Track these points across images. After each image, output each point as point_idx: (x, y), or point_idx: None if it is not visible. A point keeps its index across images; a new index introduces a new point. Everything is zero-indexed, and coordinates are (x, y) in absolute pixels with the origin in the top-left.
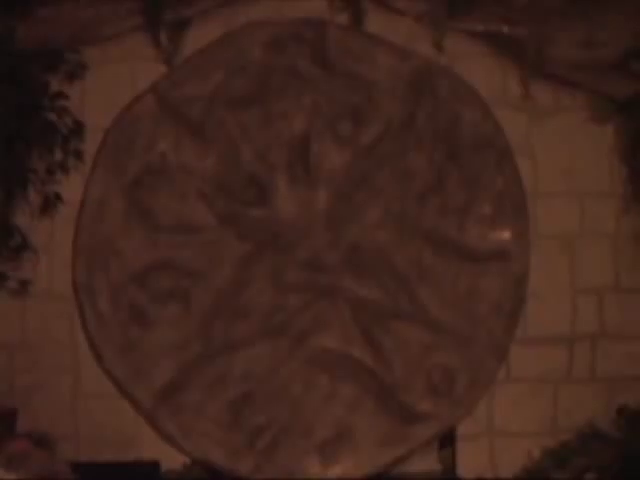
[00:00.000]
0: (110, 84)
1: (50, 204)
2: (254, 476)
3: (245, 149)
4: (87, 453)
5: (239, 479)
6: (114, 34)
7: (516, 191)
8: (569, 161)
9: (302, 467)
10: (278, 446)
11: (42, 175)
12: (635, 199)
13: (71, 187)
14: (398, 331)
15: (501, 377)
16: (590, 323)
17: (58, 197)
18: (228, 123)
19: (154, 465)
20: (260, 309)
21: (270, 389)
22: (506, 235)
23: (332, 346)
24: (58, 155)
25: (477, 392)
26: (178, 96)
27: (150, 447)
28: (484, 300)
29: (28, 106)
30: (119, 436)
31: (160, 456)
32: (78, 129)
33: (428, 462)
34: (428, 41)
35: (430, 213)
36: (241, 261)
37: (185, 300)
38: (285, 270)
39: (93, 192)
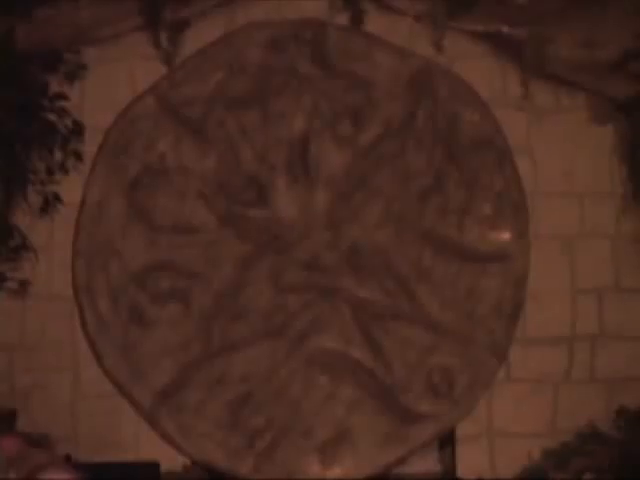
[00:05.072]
0: (110, 84)
1: (50, 204)
2: (253, 476)
3: (244, 149)
4: (86, 453)
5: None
6: (114, 34)
7: (516, 191)
8: (569, 161)
9: (302, 468)
10: (278, 447)
11: (42, 175)
12: (635, 199)
13: (71, 187)
14: (398, 331)
15: (501, 377)
16: (590, 323)
17: (57, 198)
18: (228, 123)
19: (154, 465)
20: (260, 310)
21: (270, 389)
22: (506, 235)
23: (332, 347)
24: (58, 155)
25: (477, 392)
26: (178, 96)
27: (150, 448)
28: (484, 300)
29: (28, 107)
30: (119, 436)
31: (160, 457)
32: (78, 129)
33: (428, 462)
34: (428, 41)
35: (430, 213)
36: (241, 261)
37: (185, 300)
38: (285, 270)
39: (93, 192)
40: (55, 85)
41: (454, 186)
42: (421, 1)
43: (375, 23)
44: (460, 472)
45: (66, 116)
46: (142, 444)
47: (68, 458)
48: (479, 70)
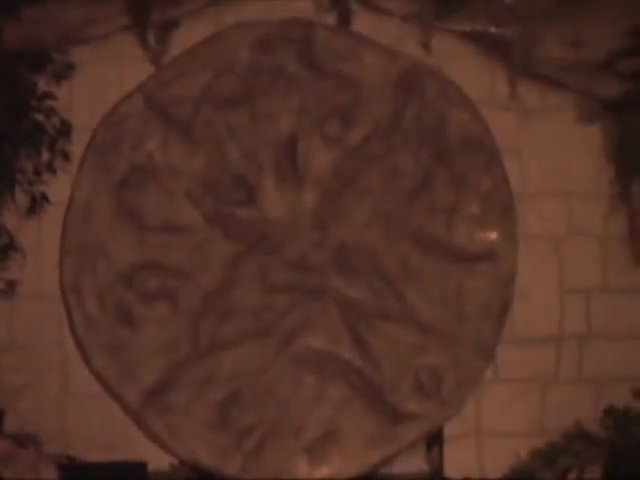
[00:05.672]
0: (98, 84)
1: (37, 204)
2: (241, 476)
3: (232, 149)
4: (75, 453)
5: (226, 479)
6: (102, 34)
7: (504, 191)
8: (557, 161)
9: (290, 467)
10: (266, 446)
11: (29, 175)
12: (622, 199)
13: (58, 187)
14: (386, 331)
15: (489, 377)
16: (577, 323)
17: (44, 197)
18: (215, 123)
19: (141, 465)
20: (248, 309)
21: (258, 389)
22: (494, 235)
23: (320, 346)
24: (45, 155)
25: (465, 392)
26: (165, 96)
27: (138, 447)
28: (472, 300)
29: (15, 106)
30: (107, 436)
31: (148, 456)
32: (65, 129)
33: (415, 462)
34: (416, 41)
35: (418, 213)
36: (229, 261)
37: (173, 300)
38: (273, 270)
39: (80, 192)
40: (43, 85)
41: (442, 186)
42: (409, 1)
43: (362, 23)
44: (447, 472)
45: (54, 116)
46: (131, 444)
47: (71, 459)
48: (467, 70)
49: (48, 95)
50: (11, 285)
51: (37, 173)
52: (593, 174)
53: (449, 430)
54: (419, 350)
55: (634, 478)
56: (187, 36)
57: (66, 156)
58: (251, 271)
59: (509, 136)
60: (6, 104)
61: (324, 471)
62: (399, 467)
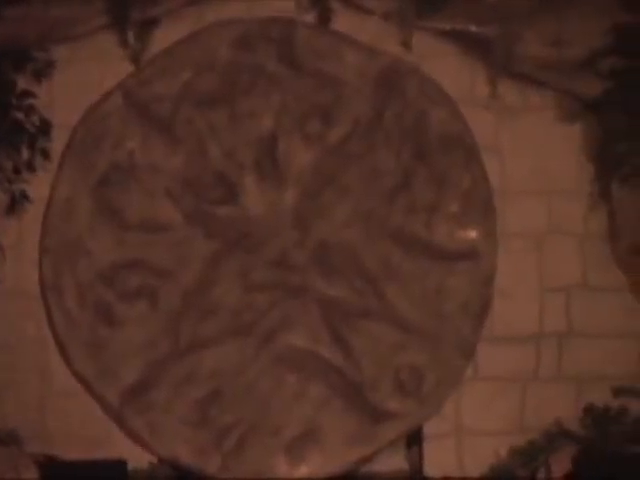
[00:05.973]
0: (78, 83)
1: (17, 203)
2: (221, 475)
3: (213, 148)
4: (56, 451)
5: (206, 478)
6: (82, 33)
7: (484, 190)
8: (537, 160)
9: (270, 466)
10: (246, 445)
11: (9, 174)
12: (603, 198)
13: (38, 186)
14: (366, 330)
15: (469, 376)
16: (558, 321)
17: (24, 196)
18: (196, 121)
19: (121, 464)
20: (228, 308)
21: (238, 388)
22: (474, 234)
23: (300, 345)
24: (25, 154)
25: (445, 391)
26: (146, 94)
27: (119, 446)
28: (452, 299)
29: None
30: (88, 435)
31: (128, 455)
32: (45, 127)
33: (395, 461)
34: (396, 40)
35: (398, 212)
36: (209, 260)
37: (153, 299)
38: (253, 269)
39: (60, 190)
40: (23, 83)
41: (422, 184)
42: (389, 0)
43: (342, 22)
44: (427, 471)
45: (34, 114)
46: (112, 442)
47: (50, 459)
48: (447, 69)
49: (28, 93)
50: None
51: (17, 171)
52: (573, 173)
53: (429, 429)
54: (399, 348)
55: (603, 477)
56: (167, 35)
57: (46, 154)
58: (231, 269)
59: (489, 135)
60: None
61: (304, 470)
62: (379, 466)
